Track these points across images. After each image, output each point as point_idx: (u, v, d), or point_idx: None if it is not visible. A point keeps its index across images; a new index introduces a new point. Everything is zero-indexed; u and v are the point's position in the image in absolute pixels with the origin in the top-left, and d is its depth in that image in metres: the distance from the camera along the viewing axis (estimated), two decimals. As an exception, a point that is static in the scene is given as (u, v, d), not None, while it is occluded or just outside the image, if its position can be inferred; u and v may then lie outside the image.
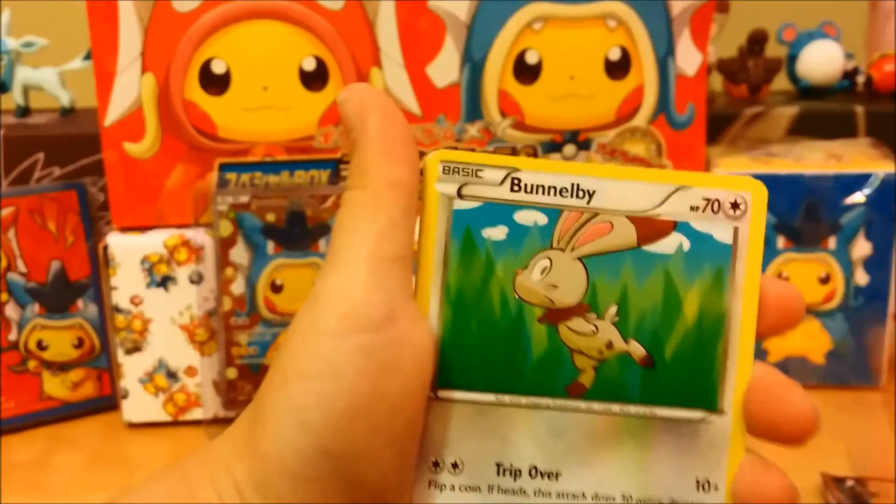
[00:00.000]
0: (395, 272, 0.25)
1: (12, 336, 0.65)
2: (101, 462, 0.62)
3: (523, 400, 0.27)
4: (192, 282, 0.64)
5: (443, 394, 0.27)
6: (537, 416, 0.27)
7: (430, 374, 0.26)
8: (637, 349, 0.27)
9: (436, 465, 0.27)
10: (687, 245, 0.27)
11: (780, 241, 0.67)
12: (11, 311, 0.65)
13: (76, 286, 0.67)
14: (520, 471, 0.27)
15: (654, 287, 0.27)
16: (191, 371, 0.65)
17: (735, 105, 0.77)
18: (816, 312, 0.68)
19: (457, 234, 0.27)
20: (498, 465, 0.27)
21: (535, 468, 0.27)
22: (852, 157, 0.69)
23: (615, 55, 0.65)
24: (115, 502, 0.25)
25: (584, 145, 0.66)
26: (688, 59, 0.66)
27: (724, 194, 0.27)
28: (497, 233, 0.27)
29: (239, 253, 0.62)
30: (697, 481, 0.27)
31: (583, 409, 0.27)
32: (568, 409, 0.27)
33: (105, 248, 0.63)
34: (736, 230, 0.27)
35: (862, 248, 0.67)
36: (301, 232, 0.62)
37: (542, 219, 0.27)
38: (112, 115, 0.63)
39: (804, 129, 0.74)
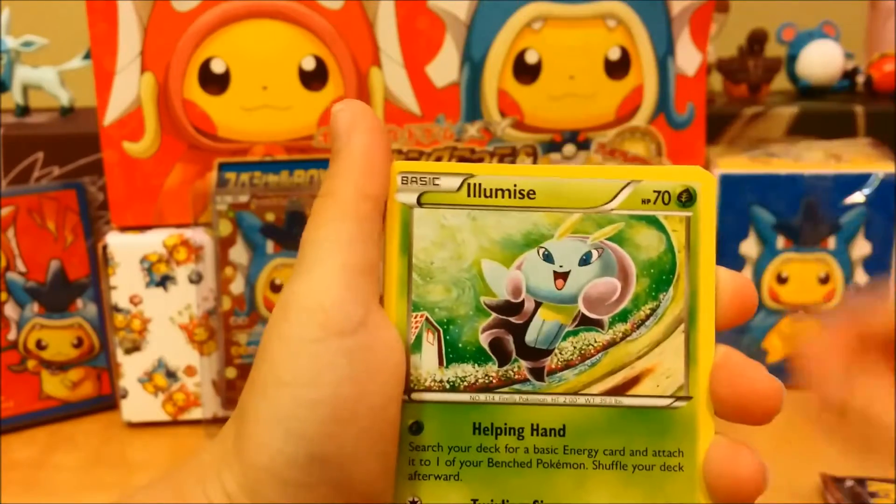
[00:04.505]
0: (364, 280, 0.26)
1: (11, 335, 0.65)
2: (101, 462, 0.62)
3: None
4: (192, 281, 0.64)
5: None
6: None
7: (404, 376, 0.27)
8: None
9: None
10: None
11: (780, 241, 0.67)
12: (10, 310, 0.65)
13: (75, 285, 0.66)
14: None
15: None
16: (190, 370, 0.65)
17: (735, 105, 0.77)
18: (816, 312, 0.68)
19: None
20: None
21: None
22: (852, 156, 0.69)
23: (615, 55, 0.65)
24: None
25: (583, 145, 0.66)
26: (687, 58, 0.66)
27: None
28: None
29: (238, 252, 0.62)
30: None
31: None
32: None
33: (104, 247, 0.63)
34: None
35: (861, 247, 0.67)
36: (300, 231, 0.62)
37: None
38: (111, 114, 0.63)
39: (804, 128, 0.74)
